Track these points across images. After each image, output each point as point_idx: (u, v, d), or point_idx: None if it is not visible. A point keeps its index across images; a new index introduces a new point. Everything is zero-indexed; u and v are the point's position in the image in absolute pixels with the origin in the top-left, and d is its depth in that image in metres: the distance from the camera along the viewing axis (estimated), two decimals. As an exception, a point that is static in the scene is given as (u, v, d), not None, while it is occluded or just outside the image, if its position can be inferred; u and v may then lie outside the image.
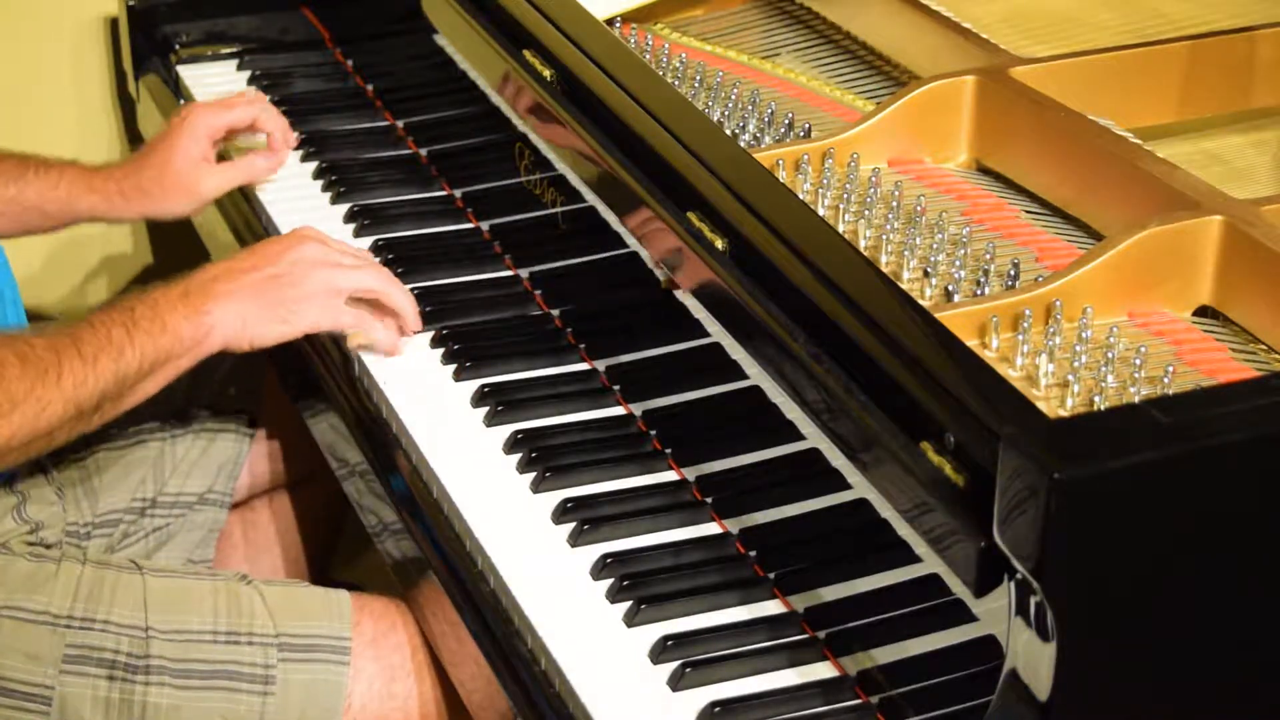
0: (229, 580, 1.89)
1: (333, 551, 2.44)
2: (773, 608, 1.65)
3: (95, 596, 1.84)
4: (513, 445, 1.85)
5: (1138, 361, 1.60)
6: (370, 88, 2.53)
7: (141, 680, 1.82)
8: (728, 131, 2.00)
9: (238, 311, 1.85)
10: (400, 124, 2.44)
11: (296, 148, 2.39)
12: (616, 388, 1.93)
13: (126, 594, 1.85)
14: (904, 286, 1.70)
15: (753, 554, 1.70)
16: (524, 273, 2.12)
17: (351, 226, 2.23)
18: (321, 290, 1.89)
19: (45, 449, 1.78)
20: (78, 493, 2.07)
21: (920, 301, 1.65)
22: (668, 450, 1.83)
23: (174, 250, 2.83)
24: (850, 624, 1.59)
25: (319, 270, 1.90)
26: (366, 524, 1.94)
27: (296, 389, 2.10)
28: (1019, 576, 1.36)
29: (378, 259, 2.14)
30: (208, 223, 2.42)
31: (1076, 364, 1.62)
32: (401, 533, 1.83)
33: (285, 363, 2.11)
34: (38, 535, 1.94)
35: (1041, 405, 1.47)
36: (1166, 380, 1.59)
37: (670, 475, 1.81)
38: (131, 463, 2.13)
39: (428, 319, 2.01)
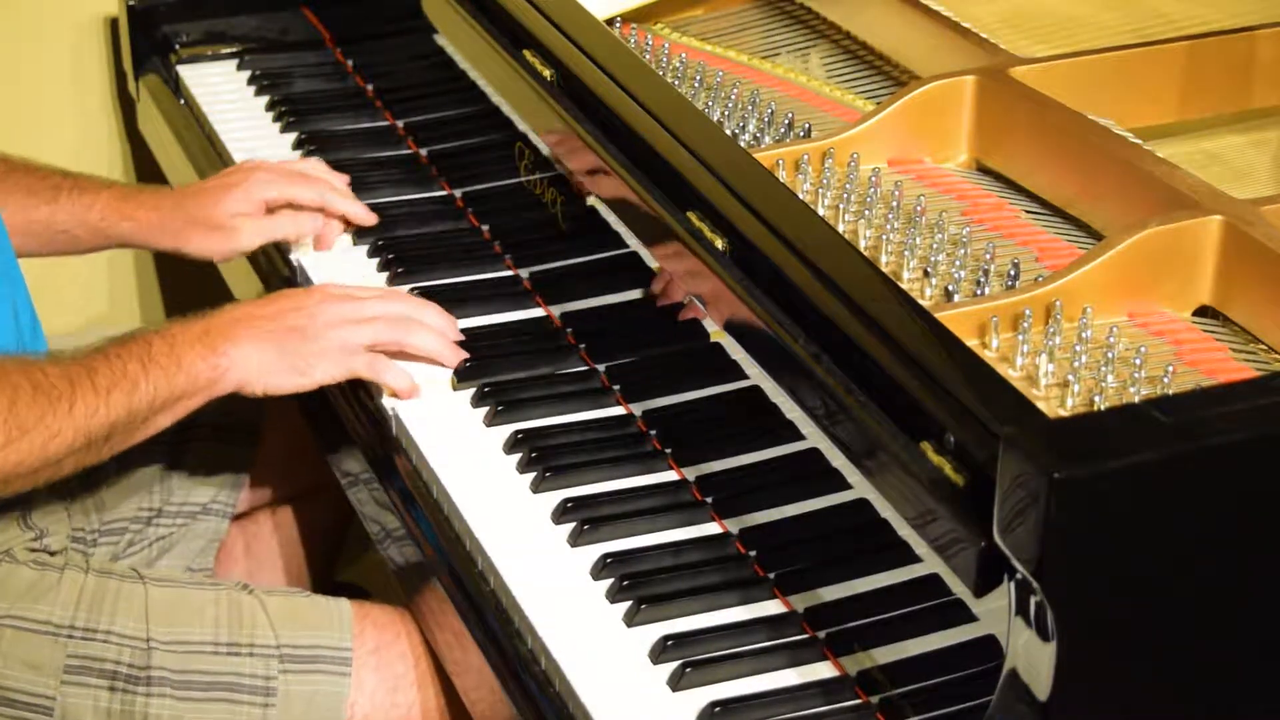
0: (230, 590, 1.89)
1: (334, 565, 2.44)
2: (773, 608, 1.65)
3: (97, 607, 1.84)
4: (513, 445, 1.85)
5: (1138, 361, 1.60)
6: (370, 88, 2.53)
7: (143, 691, 1.81)
8: (728, 131, 2.00)
9: (255, 357, 1.84)
10: (400, 124, 2.44)
11: (296, 147, 2.39)
12: (616, 388, 1.93)
13: (128, 604, 1.85)
14: (904, 286, 1.70)
15: (753, 554, 1.70)
16: (524, 273, 2.12)
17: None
18: (337, 347, 1.89)
19: (52, 477, 1.77)
20: (84, 499, 2.07)
21: (920, 301, 1.65)
22: (668, 450, 1.83)
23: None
24: (850, 624, 1.59)
25: (338, 328, 1.89)
26: (370, 532, 1.93)
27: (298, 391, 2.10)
28: (1019, 577, 1.36)
29: (377, 258, 2.15)
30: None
31: (1076, 364, 1.62)
32: (404, 539, 1.83)
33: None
34: (42, 542, 1.94)
35: (1041, 405, 1.47)
36: (1166, 380, 1.59)
37: (670, 475, 1.81)
38: (138, 472, 2.13)
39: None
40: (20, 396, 1.70)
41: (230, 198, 2.13)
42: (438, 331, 1.95)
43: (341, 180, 2.21)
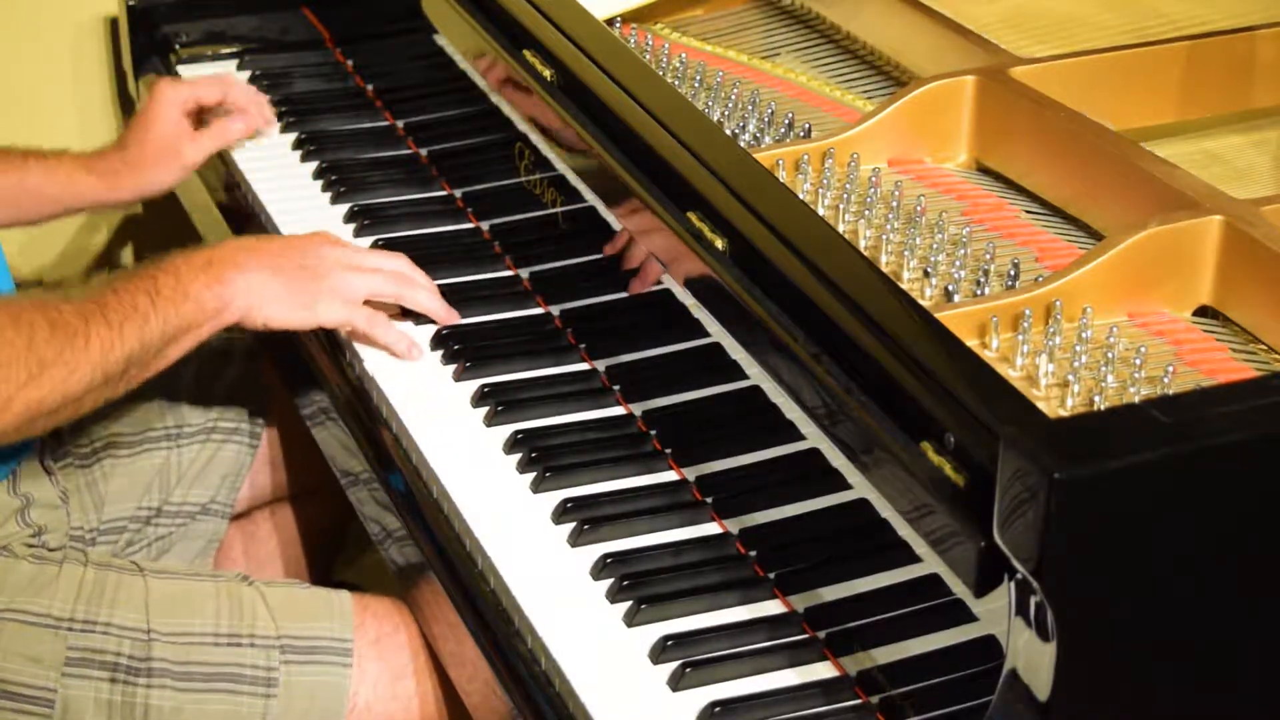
0: (230, 581, 1.89)
1: (332, 564, 2.44)
2: (773, 608, 1.65)
3: (97, 599, 1.84)
4: (513, 445, 1.85)
5: (1138, 361, 1.60)
6: (370, 88, 2.53)
7: (144, 683, 1.82)
8: (728, 131, 2.00)
9: (258, 287, 1.87)
10: (400, 124, 2.44)
11: (296, 147, 2.39)
12: (616, 388, 1.93)
13: (128, 596, 1.85)
14: (904, 286, 1.70)
15: (753, 554, 1.70)
16: (524, 273, 2.12)
17: (352, 226, 2.22)
18: (341, 288, 1.93)
19: (73, 415, 1.79)
20: (84, 499, 2.07)
21: (920, 301, 1.65)
22: (668, 450, 1.83)
23: (163, 230, 2.83)
24: (850, 624, 1.59)
25: (340, 271, 1.94)
26: (370, 532, 1.93)
27: (298, 390, 2.10)
28: (1019, 577, 1.36)
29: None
30: (204, 220, 2.42)
31: (1076, 364, 1.62)
32: (404, 538, 1.83)
33: (287, 364, 2.11)
34: (40, 539, 1.94)
35: (1041, 405, 1.47)
36: (1166, 380, 1.59)
37: (670, 475, 1.81)
38: (137, 470, 2.13)
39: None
40: (38, 333, 1.72)
41: (155, 120, 2.24)
42: (434, 291, 2.00)
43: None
